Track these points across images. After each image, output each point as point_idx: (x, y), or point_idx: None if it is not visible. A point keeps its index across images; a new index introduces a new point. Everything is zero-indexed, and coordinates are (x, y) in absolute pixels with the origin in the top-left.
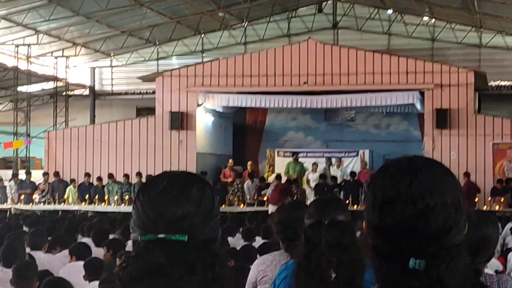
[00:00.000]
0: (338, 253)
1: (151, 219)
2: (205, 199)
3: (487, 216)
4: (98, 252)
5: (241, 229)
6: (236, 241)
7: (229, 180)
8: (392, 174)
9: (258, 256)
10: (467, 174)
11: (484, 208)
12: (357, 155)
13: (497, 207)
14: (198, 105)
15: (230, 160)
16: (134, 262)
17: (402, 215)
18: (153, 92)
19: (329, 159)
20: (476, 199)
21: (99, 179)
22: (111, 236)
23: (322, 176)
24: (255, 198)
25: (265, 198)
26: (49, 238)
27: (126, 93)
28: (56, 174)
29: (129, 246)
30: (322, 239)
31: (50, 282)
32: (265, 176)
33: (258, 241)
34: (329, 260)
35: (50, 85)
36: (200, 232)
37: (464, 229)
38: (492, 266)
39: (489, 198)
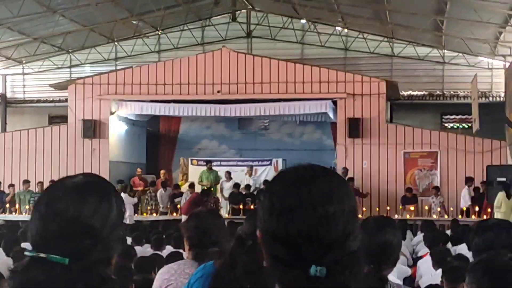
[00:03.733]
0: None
1: (37, 233)
2: (98, 217)
3: (386, 221)
4: (9, 261)
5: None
6: (146, 250)
7: (140, 188)
8: (290, 182)
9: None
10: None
11: (396, 216)
12: (270, 163)
13: (408, 216)
14: (111, 113)
15: (139, 169)
16: (15, 277)
17: (303, 222)
18: (66, 100)
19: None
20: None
21: (11, 186)
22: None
23: (236, 185)
24: (168, 206)
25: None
26: None
27: (38, 101)
28: None
29: None
30: (239, 263)
31: None
32: (179, 184)
33: (169, 250)
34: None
35: None
36: (86, 253)
37: (359, 236)
38: (401, 273)
39: (400, 207)
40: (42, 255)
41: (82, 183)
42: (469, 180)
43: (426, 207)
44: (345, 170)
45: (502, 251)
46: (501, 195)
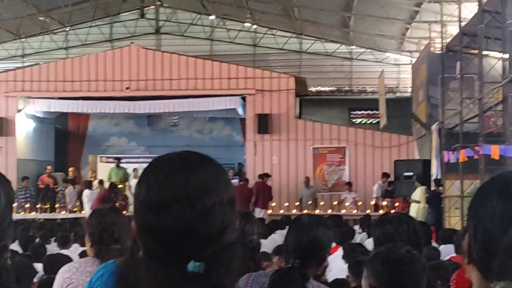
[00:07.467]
0: None
1: None
2: None
3: (319, 219)
4: None
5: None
6: (54, 248)
7: (50, 186)
8: (167, 173)
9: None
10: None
11: (305, 211)
12: None
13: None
14: (19, 111)
15: (49, 167)
16: None
17: (180, 217)
18: None
19: None
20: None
21: None
22: None
23: None
24: (78, 204)
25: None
26: None
27: None
28: None
29: None
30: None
31: None
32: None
33: (76, 248)
34: None
35: None
36: None
37: (237, 226)
38: None
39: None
40: None
41: None
42: (383, 175)
43: (335, 202)
44: (240, 165)
45: (399, 244)
46: (421, 190)
